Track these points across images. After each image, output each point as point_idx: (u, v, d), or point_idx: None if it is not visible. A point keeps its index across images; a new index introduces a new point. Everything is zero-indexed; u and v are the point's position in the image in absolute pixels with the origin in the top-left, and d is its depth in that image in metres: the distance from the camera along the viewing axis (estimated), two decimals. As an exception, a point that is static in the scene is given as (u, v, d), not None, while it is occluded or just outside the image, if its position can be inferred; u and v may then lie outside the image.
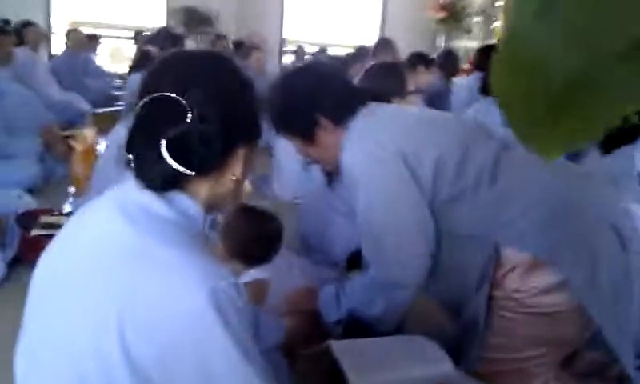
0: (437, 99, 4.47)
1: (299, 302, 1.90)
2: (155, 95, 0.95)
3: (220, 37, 7.24)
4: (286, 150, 3.48)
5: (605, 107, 0.44)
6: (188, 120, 0.93)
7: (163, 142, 0.92)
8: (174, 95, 0.94)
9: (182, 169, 0.94)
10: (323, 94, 1.71)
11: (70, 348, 0.89)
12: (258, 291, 1.89)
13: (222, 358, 0.88)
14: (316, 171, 2.56)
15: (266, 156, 4.29)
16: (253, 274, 1.93)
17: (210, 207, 1.06)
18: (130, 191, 0.98)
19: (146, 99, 0.96)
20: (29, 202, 2.64)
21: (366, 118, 1.70)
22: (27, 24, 5.14)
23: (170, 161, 0.93)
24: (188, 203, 0.99)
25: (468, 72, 5.61)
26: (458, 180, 1.59)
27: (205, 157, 0.95)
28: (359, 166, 1.63)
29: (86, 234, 0.98)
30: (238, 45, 7.10)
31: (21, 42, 5.04)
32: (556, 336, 1.58)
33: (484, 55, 4.49)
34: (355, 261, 2.48)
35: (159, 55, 1.11)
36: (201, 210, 1.01)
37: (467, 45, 8.57)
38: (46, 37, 5.34)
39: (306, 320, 1.81)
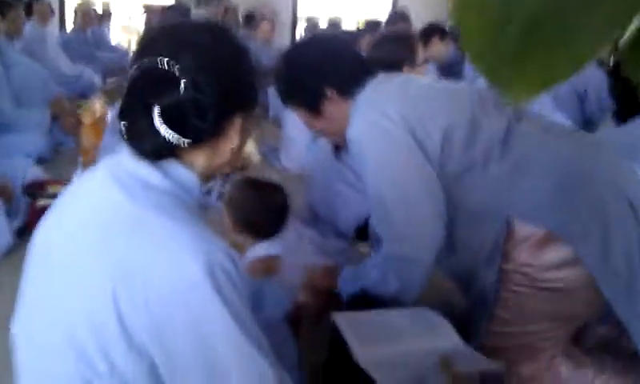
0: (450, 69, 4.40)
1: (319, 279, 1.86)
2: (147, 62, 0.92)
3: (229, 9, 7.17)
4: (294, 122, 3.45)
5: (577, 43, 0.39)
6: (181, 88, 0.90)
7: (156, 110, 0.90)
8: (166, 61, 0.91)
9: (175, 138, 0.91)
10: (330, 65, 1.68)
11: (65, 320, 0.89)
12: (267, 267, 1.87)
13: (218, 330, 0.86)
14: (324, 142, 2.54)
15: (275, 127, 4.27)
16: (263, 248, 1.91)
17: (207, 177, 1.04)
18: (124, 160, 0.96)
19: (137, 66, 0.93)
20: (36, 172, 2.63)
21: (372, 90, 1.66)
22: (36, -1, 5.11)
23: (163, 129, 0.90)
24: (183, 173, 0.97)
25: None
26: (467, 152, 1.54)
27: (199, 126, 0.93)
28: (365, 138, 1.60)
29: (80, 205, 0.97)
30: (249, 17, 7.03)
31: (30, 16, 5.03)
32: (566, 311, 1.55)
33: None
34: (363, 232, 2.48)
35: (155, 24, 1.08)
36: (197, 180, 0.99)
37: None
38: (53, 11, 5.26)
39: (324, 298, 1.78)
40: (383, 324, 1.50)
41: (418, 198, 1.56)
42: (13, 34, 3.80)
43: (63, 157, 3.46)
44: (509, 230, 1.52)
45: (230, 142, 1.01)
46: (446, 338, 1.48)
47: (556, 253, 1.48)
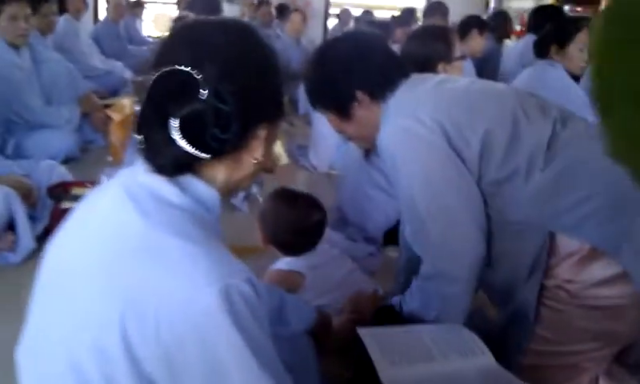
0: (486, 63, 4.25)
1: (362, 304, 1.76)
2: (166, 69, 0.85)
3: (262, 2, 7.14)
4: (324, 120, 3.38)
5: None
6: (202, 97, 0.83)
7: (174, 122, 0.83)
8: (186, 69, 0.84)
9: (195, 152, 0.84)
10: (362, 67, 1.59)
11: (69, 347, 0.83)
12: (290, 282, 1.81)
13: (233, 361, 0.79)
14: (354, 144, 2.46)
15: (304, 125, 4.21)
16: (289, 262, 1.85)
17: (228, 191, 0.97)
18: (139, 174, 0.89)
19: (156, 74, 0.86)
20: (63, 173, 2.61)
21: (405, 93, 1.57)
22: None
23: (182, 143, 0.83)
24: (203, 189, 0.90)
25: (520, 35, 5.34)
26: (508, 160, 1.44)
27: (221, 138, 0.85)
28: (396, 146, 1.50)
29: (92, 221, 0.91)
30: (281, 9, 6.98)
31: (63, 9, 5.05)
32: (610, 331, 1.44)
33: (539, 16, 4.24)
34: (392, 236, 2.40)
35: (175, 25, 1.01)
36: (217, 196, 0.92)
37: (520, 5, 8.18)
38: (87, 4, 5.27)
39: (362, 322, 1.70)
40: (411, 341, 1.41)
41: (456, 209, 1.46)
42: (45, 29, 3.80)
43: (92, 155, 3.46)
44: (551, 245, 1.42)
45: (253, 153, 0.94)
46: (479, 358, 1.39)
47: (602, 270, 1.38)
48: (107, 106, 3.63)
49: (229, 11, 8.31)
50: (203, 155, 0.85)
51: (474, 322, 1.54)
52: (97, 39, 5.48)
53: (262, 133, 0.93)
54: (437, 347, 1.39)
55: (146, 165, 0.88)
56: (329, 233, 2.12)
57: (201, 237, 0.84)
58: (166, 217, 0.84)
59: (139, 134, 0.87)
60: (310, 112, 3.65)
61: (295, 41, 5.68)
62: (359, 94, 1.57)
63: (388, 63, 1.63)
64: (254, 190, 2.96)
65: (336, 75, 1.59)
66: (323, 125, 3.43)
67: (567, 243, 1.40)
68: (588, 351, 1.46)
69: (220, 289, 0.78)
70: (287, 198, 1.86)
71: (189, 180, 0.88)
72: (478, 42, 4.04)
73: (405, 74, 1.61)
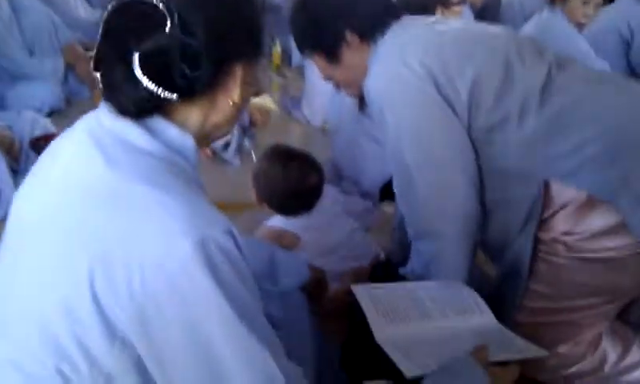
0: (485, 13, 4.12)
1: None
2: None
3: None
4: (318, 72, 3.28)
5: None
6: (167, 29, 0.74)
7: (135, 57, 0.74)
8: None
9: (160, 91, 0.76)
10: (351, 6, 1.52)
11: (35, 303, 0.77)
12: (283, 241, 1.74)
13: (213, 318, 0.72)
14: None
15: (297, 77, 4.09)
16: (284, 220, 1.78)
17: (204, 137, 0.89)
18: (104, 117, 0.81)
19: (115, 3, 0.76)
20: (46, 126, 2.52)
21: (394, 35, 1.49)
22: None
23: (145, 81, 0.75)
24: (175, 133, 0.82)
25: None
26: (500, 104, 1.37)
27: (189, 76, 0.77)
28: (384, 91, 1.43)
29: (55, 171, 0.84)
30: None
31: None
32: (611, 284, 1.39)
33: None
34: (389, 191, 2.33)
35: None
36: (192, 141, 0.84)
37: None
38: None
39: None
40: (408, 299, 1.35)
41: (445, 160, 1.40)
42: (25, -25, 3.63)
43: (77, 107, 3.33)
44: (546, 194, 1.35)
45: (229, 95, 0.86)
46: (478, 316, 1.34)
47: (601, 219, 1.31)
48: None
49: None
50: (169, 95, 0.77)
51: (473, 279, 1.49)
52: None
53: (237, 71, 0.85)
54: (434, 305, 1.33)
55: (107, 105, 0.80)
56: (326, 188, 2.05)
57: (174, 185, 0.76)
58: (135, 164, 0.77)
59: (96, 70, 0.79)
60: (304, 64, 3.53)
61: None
62: (348, 35, 1.50)
63: (379, 2, 1.55)
64: (246, 143, 2.87)
65: (325, 14, 1.52)
66: (316, 77, 3.33)
67: (562, 192, 1.34)
68: (588, 307, 1.41)
69: (196, 241, 0.71)
70: (282, 157, 1.77)
71: (158, 123, 0.81)
72: None
73: (396, 15, 1.53)
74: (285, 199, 1.74)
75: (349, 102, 2.39)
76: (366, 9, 1.51)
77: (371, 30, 1.50)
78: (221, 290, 0.72)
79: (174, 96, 0.77)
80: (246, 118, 2.95)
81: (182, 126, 0.83)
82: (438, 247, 1.45)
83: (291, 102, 3.66)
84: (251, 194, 1.81)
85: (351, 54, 1.52)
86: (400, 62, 1.40)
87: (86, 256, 0.72)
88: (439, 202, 1.42)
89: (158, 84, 0.76)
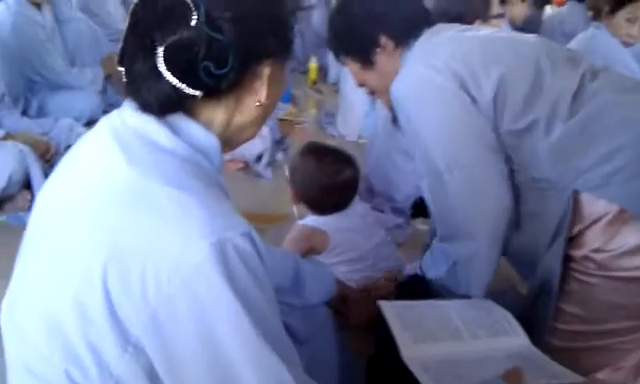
0: (524, 30, 4.04)
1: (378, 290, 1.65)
2: None
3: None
4: (353, 88, 3.27)
5: None
6: (192, 23, 0.72)
7: (160, 51, 0.72)
8: None
9: (183, 86, 0.74)
10: (386, 10, 1.50)
11: (48, 300, 0.75)
12: (313, 240, 1.73)
13: (226, 322, 0.70)
14: (382, 109, 2.34)
15: (333, 93, 4.08)
16: (316, 219, 1.77)
17: (229, 139, 0.86)
18: (128, 116, 0.80)
19: None
20: (82, 133, 2.54)
21: (425, 40, 1.47)
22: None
23: (169, 76, 0.73)
24: (199, 132, 0.80)
25: (561, 3, 5.09)
26: (528, 109, 1.33)
27: (215, 73, 0.74)
28: (410, 93, 1.41)
29: (77, 169, 0.83)
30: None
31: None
32: None
33: (583, -18, 4.00)
34: (421, 208, 2.28)
35: None
36: (216, 142, 0.82)
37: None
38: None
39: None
40: (437, 317, 1.31)
41: (474, 157, 1.36)
42: (70, -13, 3.72)
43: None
44: (576, 207, 1.29)
45: (255, 95, 0.83)
46: (511, 338, 1.28)
47: (633, 236, 1.25)
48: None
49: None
50: (193, 91, 0.74)
51: (506, 300, 1.43)
52: (125, 1, 5.39)
53: (265, 71, 0.82)
54: (465, 325, 1.28)
55: (131, 102, 0.78)
56: (358, 203, 2.02)
57: (195, 186, 0.74)
58: (156, 162, 0.75)
59: (121, 65, 0.77)
60: (340, 79, 3.52)
61: (325, 2, 5.50)
62: (383, 39, 1.49)
63: (414, 8, 1.54)
64: (279, 156, 2.86)
65: (361, 18, 1.51)
66: (352, 93, 3.34)
67: (593, 205, 1.28)
68: (626, 330, 1.33)
69: (213, 242, 0.68)
70: (317, 152, 1.78)
71: (182, 121, 0.79)
72: (519, 9, 3.81)
73: (429, 23, 1.51)
74: (320, 194, 1.72)
75: (382, 116, 2.36)
76: (402, 14, 1.50)
77: (406, 35, 1.49)
78: (236, 294, 0.69)
79: (198, 93, 0.75)
80: (278, 132, 2.95)
81: (207, 125, 0.81)
82: (468, 249, 1.41)
83: (326, 118, 3.65)
84: (281, 206, 1.79)
85: (385, 59, 1.50)
86: (425, 64, 1.39)
87: (101, 254, 0.70)
88: (471, 202, 1.38)
89: (182, 79, 0.74)
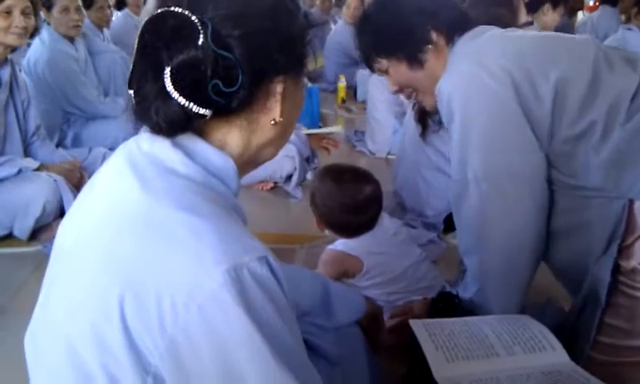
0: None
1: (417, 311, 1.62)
2: (159, 11, 0.74)
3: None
4: (381, 104, 3.28)
5: None
6: (199, 42, 0.71)
7: (167, 71, 0.72)
8: (182, 11, 0.72)
9: (192, 106, 0.73)
10: (438, 4, 1.46)
11: (66, 329, 0.74)
12: (345, 265, 1.70)
13: (243, 350, 0.67)
14: (411, 125, 2.32)
15: (362, 111, 4.09)
16: (347, 243, 1.72)
17: (248, 160, 0.85)
18: (143, 141, 0.79)
19: (148, 18, 0.75)
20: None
21: (470, 39, 1.42)
22: (128, -14, 5.18)
23: (176, 95, 0.72)
24: (214, 155, 0.78)
25: (593, 9, 5.00)
26: (585, 112, 1.27)
27: (224, 92, 0.73)
28: (458, 92, 1.35)
29: (93, 197, 0.82)
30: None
31: (122, 4, 5.11)
32: None
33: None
34: (453, 222, 2.23)
35: None
36: (232, 165, 0.80)
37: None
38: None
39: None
40: (470, 335, 1.26)
41: (511, 172, 1.31)
42: (101, 22, 3.82)
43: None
44: (629, 217, 1.22)
45: (269, 113, 0.82)
46: (549, 353, 1.22)
47: None
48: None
49: None
50: (202, 110, 0.73)
51: (546, 315, 1.37)
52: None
53: (277, 88, 0.80)
54: (500, 342, 1.24)
55: (142, 125, 0.78)
56: (389, 219, 1.99)
57: (210, 211, 0.72)
58: (171, 188, 0.73)
59: (130, 87, 0.76)
60: (367, 98, 3.53)
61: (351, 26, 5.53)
62: (434, 35, 1.43)
63: (458, 8, 1.51)
64: (309, 175, 2.85)
65: (410, 14, 1.45)
66: (380, 109, 3.34)
67: None
68: None
69: (228, 269, 0.66)
70: (334, 173, 1.73)
71: (196, 144, 0.77)
72: (550, 18, 3.75)
73: (472, 23, 1.47)
74: (343, 216, 1.68)
75: (410, 131, 2.34)
76: (452, 9, 1.46)
77: (455, 30, 1.44)
78: (252, 320, 0.67)
79: (207, 112, 0.74)
80: (307, 150, 2.95)
81: (222, 148, 0.80)
82: (482, 266, 1.38)
83: (356, 136, 3.66)
84: (312, 226, 1.77)
85: (435, 56, 1.45)
86: (477, 65, 1.33)
87: (117, 283, 0.69)
88: (494, 217, 1.33)
89: (190, 99, 0.72)
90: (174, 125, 0.75)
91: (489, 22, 2.06)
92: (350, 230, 1.71)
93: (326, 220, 1.72)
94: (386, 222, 1.78)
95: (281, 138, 0.87)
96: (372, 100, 3.47)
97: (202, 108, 0.73)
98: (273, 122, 0.82)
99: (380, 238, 1.72)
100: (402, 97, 1.73)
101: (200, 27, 0.71)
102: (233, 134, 0.80)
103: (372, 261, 1.68)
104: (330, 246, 1.76)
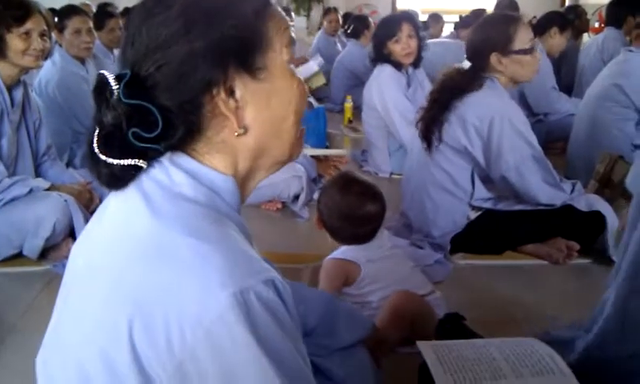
0: (563, 60, 4.00)
1: (404, 304, 1.64)
2: (97, 79, 0.77)
3: (330, 9, 7.12)
4: (372, 129, 3.41)
5: None
6: (113, 99, 0.73)
7: (95, 135, 0.74)
8: (102, 72, 0.75)
9: (122, 162, 0.75)
10: None
11: (77, 352, 0.75)
12: (345, 271, 1.74)
13: (250, 373, 0.67)
14: (415, 146, 2.34)
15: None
16: (345, 251, 1.78)
17: (253, 169, 0.84)
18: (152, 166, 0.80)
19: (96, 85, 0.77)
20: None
21: None
22: (137, 7, 5.24)
23: (104, 158, 0.74)
24: (214, 175, 0.79)
25: (598, 31, 5.03)
26: None
27: (150, 137, 0.74)
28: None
29: (103, 222, 0.83)
30: (349, 17, 6.93)
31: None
32: None
33: (618, 8, 3.96)
34: (461, 242, 2.25)
35: None
36: (231, 181, 0.80)
37: (597, 1, 7.77)
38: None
39: (404, 325, 1.59)
40: (478, 357, 1.26)
41: None
42: (112, 44, 3.88)
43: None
44: None
45: (226, 128, 0.78)
46: (557, 376, 1.22)
47: None
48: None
49: (297, 21, 8.41)
50: (136, 162, 0.75)
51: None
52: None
53: (218, 99, 0.77)
54: (507, 364, 1.23)
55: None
56: (391, 237, 2.01)
57: (216, 234, 0.73)
58: (178, 213, 0.74)
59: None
60: (363, 121, 3.57)
61: (361, 47, 5.58)
62: None
63: None
64: (316, 196, 2.86)
65: None
66: (371, 135, 3.46)
67: None
68: None
69: (234, 292, 0.67)
70: (343, 183, 1.80)
71: (200, 168, 0.78)
72: (557, 41, 3.78)
73: None
74: (341, 224, 1.75)
75: (417, 151, 2.35)
76: None
77: None
78: (259, 344, 0.67)
79: (142, 163, 0.75)
80: (314, 171, 2.97)
81: (221, 169, 0.80)
82: None
83: (362, 155, 3.68)
84: (318, 246, 1.80)
85: None
86: None
87: (126, 308, 0.70)
88: None
89: (117, 156, 0.74)
90: (114, 182, 0.77)
91: (481, 44, 2.20)
92: (343, 236, 1.78)
93: (324, 221, 1.80)
94: (384, 237, 1.85)
95: (276, 134, 0.83)
96: (365, 125, 3.54)
97: (132, 159, 0.75)
98: (237, 134, 0.79)
99: (377, 249, 1.79)
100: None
101: (114, 83, 0.73)
102: (215, 160, 0.80)
103: (369, 268, 1.74)
104: (329, 256, 1.81)
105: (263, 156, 0.84)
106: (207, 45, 0.75)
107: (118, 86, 0.72)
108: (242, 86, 0.78)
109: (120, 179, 0.77)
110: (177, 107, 0.75)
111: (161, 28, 0.75)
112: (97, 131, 0.74)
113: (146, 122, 0.73)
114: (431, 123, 2.22)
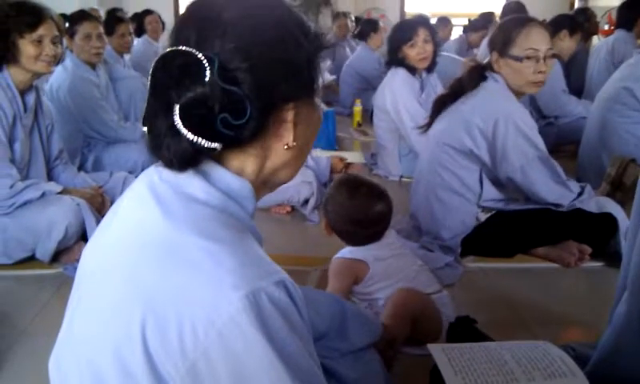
0: (573, 63, 3.98)
1: (407, 303, 1.64)
2: (166, 51, 0.76)
3: (339, 14, 7.15)
4: (384, 132, 3.40)
5: None
6: (206, 79, 0.73)
7: (176, 109, 0.73)
8: (188, 49, 0.74)
9: (202, 141, 0.74)
10: None
11: (89, 354, 0.76)
12: (353, 271, 1.74)
13: (263, 374, 0.68)
14: (428, 148, 2.34)
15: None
16: (353, 251, 1.78)
17: (264, 182, 0.87)
18: (164, 169, 0.80)
19: (158, 57, 0.77)
20: (134, 186, 2.63)
21: None
22: (147, 12, 5.29)
23: (186, 132, 0.73)
24: (232, 181, 0.80)
25: (608, 34, 5.00)
26: None
27: (234, 125, 0.75)
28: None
29: (116, 224, 0.84)
30: (360, 21, 6.97)
31: (141, 31, 5.21)
32: None
33: (628, 10, 3.94)
34: (471, 245, 2.24)
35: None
36: (249, 189, 0.82)
37: (607, 4, 7.74)
38: (164, 26, 5.42)
39: (407, 324, 1.59)
40: (490, 360, 1.26)
41: None
42: (122, 49, 3.91)
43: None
44: None
45: (281, 139, 0.83)
46: (569, 379, 1.21)
47: None
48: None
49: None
50: (212, 144, 0.75)
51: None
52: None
53: (288, 114, 0.81)
54: (519, 367, 1.23)
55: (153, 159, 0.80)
56: (400, 238, 2.00)
57: (228, 236, 0.74)
58: (190, 215, 0.75)
59: (144, 125, 0.79)
60: (374, 124, 3.58)
61: (370, 51, 5.59)
62: None
63: None
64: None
65: None
66: (382, 138, 3.44)
67: None
68: None
69: (246, 294, 0.68)
70: (350, 185, 1.79)
71: (216, 170, 0.79)
72: (568, 44, 3.77)
73: None
74: (351, 226, 1.75)
75: (426, 154, 2.35)
76: None
77: None
78: (271, 344, 0.68)
79: (217, 145, 0.75)
80: (325, 176, 2.98)
81: (239, 173, 0.81)
82: None
83: (372, 159, 3.68)
84: (328, 249, 1.79)
85: None
86: None
87: (140, 308, 0.71)
88: None
89: (199, 134, 0.74)
90: (184, 160, 0.76)
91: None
92: (355, 239, 1.78)
93: (333, 226, 1.79)
94: (393, 236, 1.85)
95: (297, 159, 0.88)
96: (376, 128, 3.54)
97: (212, 142, 0.74)
98: (286, 147, 0.83)
99: (385, 247, 1.79)
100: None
101: (206, 63, 0.73)
102: (248, 162, 0.82)
103: (377, 266, 1.74)
104: (337, 256, 1.81)
105: (283, 170, 0.88)
106: (295, 63, 0.81)
107: (209, 68, 0.73)
108: (303, 108, 0.84)
109: (192, 159, 0.77)
110: (257, 110, 0.77)
111: (261, 30, 0.79)
112: (177, 106, 0.73)
113: (235, 109, 0.74)
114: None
